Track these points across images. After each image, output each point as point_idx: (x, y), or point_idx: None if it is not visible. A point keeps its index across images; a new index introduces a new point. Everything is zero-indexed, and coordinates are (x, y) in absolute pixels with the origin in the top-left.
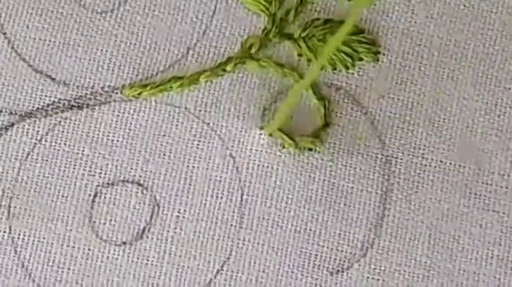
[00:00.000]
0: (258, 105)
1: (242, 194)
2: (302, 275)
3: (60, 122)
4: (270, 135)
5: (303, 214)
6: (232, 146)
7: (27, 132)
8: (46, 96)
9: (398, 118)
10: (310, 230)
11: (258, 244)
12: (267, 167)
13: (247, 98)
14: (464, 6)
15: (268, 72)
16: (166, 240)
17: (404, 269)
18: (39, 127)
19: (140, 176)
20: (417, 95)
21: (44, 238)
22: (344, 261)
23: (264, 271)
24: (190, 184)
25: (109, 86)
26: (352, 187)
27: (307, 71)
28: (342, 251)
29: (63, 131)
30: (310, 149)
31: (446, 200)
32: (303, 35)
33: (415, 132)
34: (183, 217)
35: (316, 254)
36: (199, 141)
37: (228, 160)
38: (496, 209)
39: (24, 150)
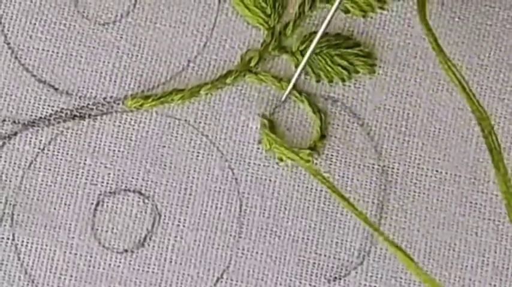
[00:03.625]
0: (257, 118)
1: (241, 205)
2: (300, 283)
3: (62, 131)
4: (268, 149)
5: (300, 224)
6: (231, 158)
7: (30, 141)
8: (49, 106)
9: (394, 129)
10: (308, 239)
11: (257, 253)
12: (265, 178)
13: (246, 111)
14: (459, 18)
15: (266, 85)
16: (167, 248)
17: (401, 276)
18: (42, 136)
19: (142, 186)
20: (413, 106)
21: (46, 245)
22: (341, 269)
23: (262, 280)
24: (190, 194)
25: (111, 97)
26: (349, 197)
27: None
28: (340, 259)
29: (65, 141)
30: (308, 161)
31: (442, 209)
32: (301, 48)
33: (410, 142)
34: (184, 226)
35: (314, 263)
36: (198, 152)
37: (227, 171)
38: (491, 217)
39: (27, 159)
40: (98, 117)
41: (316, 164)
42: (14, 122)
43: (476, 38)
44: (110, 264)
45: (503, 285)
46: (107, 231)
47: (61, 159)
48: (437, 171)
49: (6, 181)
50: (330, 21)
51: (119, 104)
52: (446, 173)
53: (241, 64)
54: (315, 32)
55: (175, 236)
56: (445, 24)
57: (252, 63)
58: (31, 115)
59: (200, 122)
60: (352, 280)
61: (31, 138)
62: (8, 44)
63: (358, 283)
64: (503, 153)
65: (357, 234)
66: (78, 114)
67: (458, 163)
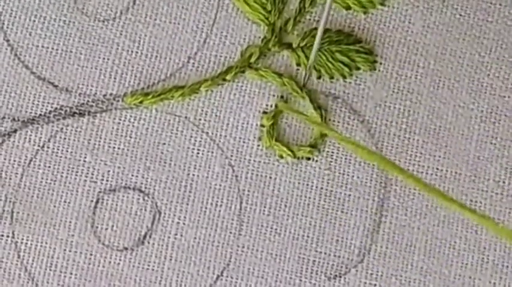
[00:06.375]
0: (257, 114)
1: (241, 202)
2: (300, 280)
3: (62, 129)
4: (269, 146)
5: (300, 221)
6: (232, 155)
7: (30, 138)
8: (48, 103)
9: (394, 126)
10: (308, 236)
11: (257, 250)
12: (266, 176)
13: (246, 108)
14: (460, 15)
15: (267, 81)
16: (167, 246)
17: (401, 274)
18: (41, 134)
19: (141, 183)
20: (413, 103)
21: (46, 243)
22: (341, 267)
23: (262, 277)
24: (190, 192)
25: (111, 94)
26: (350, 195)
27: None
28: (340, 257)
29: (65, 138)
30: (308, 158)
31: (442, 207)
32: (302, 44)
33: (411, 140)
34: (184, 224)
35: (314, 260)
36: (198, 150)
37: (227, 168)
38: (491, 215)
39: (26, 156)
40: (98, 115)
41: (316, 161)
42: (14, 119)
43: (477, 35)
44: (109, 262)
45: (502, 283)
46: (106, 229)
47: (61, 156)
48: (437, 168)
49: (6, 178)
50: (328, 15)
51: (118, 101)
52: (446, 170)
53: (241, 60)
54: (315, 29)
55: (175, 234)
56: (446, 21)
57: (252, 59)
58: (31, 112)
59: (200, 119)
60: (353, 277)
61: (31, 135)
62: (8, 41)
63: (359, 280)
64: (504, 151)
65: (357, 232)
66: (77, 111)
67: (458, 160)
